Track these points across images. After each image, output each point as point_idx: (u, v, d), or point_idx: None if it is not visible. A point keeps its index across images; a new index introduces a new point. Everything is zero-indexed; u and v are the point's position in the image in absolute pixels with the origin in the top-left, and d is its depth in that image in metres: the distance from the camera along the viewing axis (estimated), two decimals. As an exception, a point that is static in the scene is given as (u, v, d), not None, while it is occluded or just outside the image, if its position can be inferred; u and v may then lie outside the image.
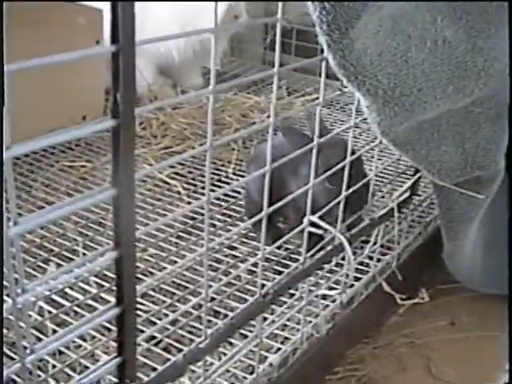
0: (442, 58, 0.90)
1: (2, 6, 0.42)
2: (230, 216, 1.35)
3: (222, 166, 1.56)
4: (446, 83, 0.91)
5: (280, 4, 0.68)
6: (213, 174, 1.51)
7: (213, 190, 1.42)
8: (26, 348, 0.54)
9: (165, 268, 1.15)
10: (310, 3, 0.70)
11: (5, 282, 0.49)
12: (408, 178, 1.29)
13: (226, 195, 1.40)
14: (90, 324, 0.57)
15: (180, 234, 1.27)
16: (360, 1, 0.75)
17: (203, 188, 1.43)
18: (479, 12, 0.94)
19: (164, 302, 1.07)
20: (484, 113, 1.05)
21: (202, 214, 1.30)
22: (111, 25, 0.48)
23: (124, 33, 0.48)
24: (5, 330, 0.92)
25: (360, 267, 1.18)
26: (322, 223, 0.90)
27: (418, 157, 1.02)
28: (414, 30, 0.87)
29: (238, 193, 1.41)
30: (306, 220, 0.90)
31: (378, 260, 1.20)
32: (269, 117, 1.78)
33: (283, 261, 1.17)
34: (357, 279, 1.14)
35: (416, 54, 0.86)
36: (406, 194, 1.18)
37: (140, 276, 1.12)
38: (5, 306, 0.50)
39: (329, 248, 0.95)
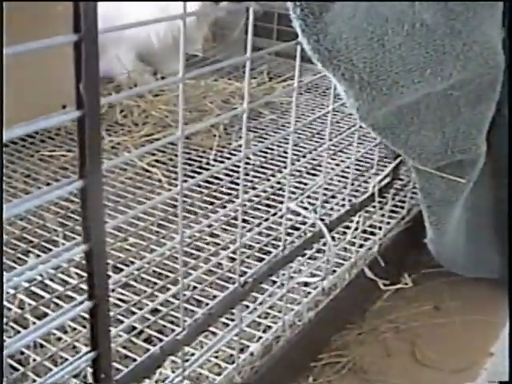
0: (420, 41, 0.89)
1: (2, 5, 0.42)
2: (211, 203, 1.34)
3: (204, 152, 1.54)
4: (423, 67, 0.91)
5: None
6: (194, 160, 1.50)
7: (194, 177, 1.41)
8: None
9: (145, 257, 1.14)
10: (283, -13, 0.69)
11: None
12: (389, 162, 1.29)
13: (207, 182, 1.39)
14: (61, 319, 0.56)
15: (161, 222, 1.26)
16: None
17: (185, 175, 1.42)
18: None
19: (145, 291, 1.06)
20: (463, 96, 1.04)
21: (183, 202, 1.29)
22: (73, 14, 0.47)
23: (86, 22, 0.46)
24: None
25: (342, 253, 1.18)
26: (301, 210, 0.89)
27: (397, 141, 1.01)
28: (392, 13, 0.86)
29: (220, 179, 1.40)
30: (284, 207, 0.89)
31: (360, 246, 1.19)
32: (250, 102, 1.77)
33: (265, 248, 1.17)
34: (339, 265, 1.14)
35: (393, 37, 0.85)
36: (388, 179, 1.17)
37: (121, 266, 1.11)
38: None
39: (309, 235, 0.94)
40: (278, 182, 1.33)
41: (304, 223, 1.05)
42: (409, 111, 0.99)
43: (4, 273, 0.47)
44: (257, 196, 1.31)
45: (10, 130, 0.47)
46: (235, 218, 1.25)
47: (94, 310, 0.58)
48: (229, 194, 1.36)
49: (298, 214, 0.92)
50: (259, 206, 1.31)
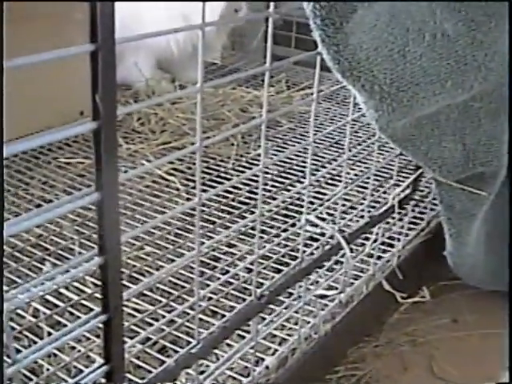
0: (441, 52, 0.88)
1: (2, 5, 0.41)
2: (229, 213, 1.33)
3: (222, 161, 1.54)
4: (444, 78, 0.89)
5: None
6: (212, 169, 1.50)
7: (212, 186, 1.41)
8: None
9: (162, 267, 1.13)
10: (303, -3, 0.68)
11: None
12: (410, 173, 1.27)
13: (225, 191, 1.38)
14: (74, 332, 0.55)
15: (178, 231, 1.25)
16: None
17: (203, 184, 1.41)
18: (479, 5, 0.92)
19: (160, 301, 1.05)
20: (484, 108, 1.03)
21: (202, 211, 1.28)
22: (90, 23, 0.46)
23: (103, 31, 0.46)
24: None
25: (360, 265, 1.16)
26: (319, 222, 0.88)
27: (418, 153, 1.00)
28: (413, 23, 0.84)
29: (238, 189, 1.39)
30: (303, 219, 0.88)
31: (379, 258, 1.18)
32: (268, 112, 1.76)
33: (283, 258, 1.16)
34: (357, 277, 1.13)
35: (414, 48, 0.84)
36: (408, 191, 1.16)
37: (136, 276, 1.10)
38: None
39: (327, 247, 0.93)
40: (297, 193, 1.32)
41: (323, 234, 1.04)
42: (429, 122, 0.98)
43: (19, 281, 0.47)
44: (275, 206, 1.30)
45: (22, 141, 0.46)
46: (253, 228, 1.24)
47: (108, 323, 0.57)
48: (247, 204, 1.35)
49: (317, 226, 0.90)
50: (277, 216, 1.30)
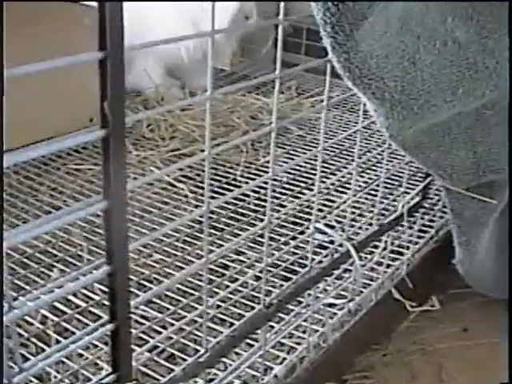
0: (452, 59, 0.87)
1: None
2: (238, 220, 1.32)
3: (231, 168, 1.54)
4: (455, 85, 0.89)
5: (282, 5, 0.66)
6: (221, 176, 1.49)
7: (221, 193, 1.40)
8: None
9: (170, 274, 1.13)
10: (313, 4, 0.68)
11: None
12: (419, 180, 1.27)
13: (234, 198, 1.38)
14: (82, 341, 0.55)
15: (186, 238, 1.25)
16: (365, 0, 0.73)
17: (211, 191, 1.41)
18: (491, 12, 0.91)
19: (168, 309, 1.05)
20: (495, 115, 1.02)
21: (210, 218, 1.28)
22: (99, 30, 0.46)
23: (112, 39, 0.45)
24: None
25: (369, 273, 1.16)
26: (328, 230, 0.88)
27: (428, 161, 1.00)
28: (423, 30, 0.84)
29: (247, 195, 1.39)
30: (311, 227, 0.88)
31: (388, 266, 1.17)
32: (278, 119, 1.75)
33: (291, 266, 1.15)
34: (366, 286, 1.12)
35: (425, 55, 0.84)
36: (417, 198, 1.15)
37: (145, 283, 1.10)
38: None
39: (336, 256, 0.93)
40: (306, 200, 1.31)
41: (332, 242, 1.03)
42: (440, 130, 0.97)
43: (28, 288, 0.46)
44: (284, 214, 1.29)
45: (30, 149, 0.46)
46: (261, 236, 1.23)
47: (116, 332, 0.57)
48: (256, 211, 1.35)
49: (326, 234, 0.90)
50: (286, 224, 1.30)
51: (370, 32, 0.73)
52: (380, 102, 0.81)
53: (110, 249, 0.53)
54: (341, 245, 0.94)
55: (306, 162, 1.54)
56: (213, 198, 1.38)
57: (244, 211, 1.35)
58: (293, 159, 1.58)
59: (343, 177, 1.41)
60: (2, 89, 0.41)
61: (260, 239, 1.23)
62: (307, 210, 1.32)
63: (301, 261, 1.16)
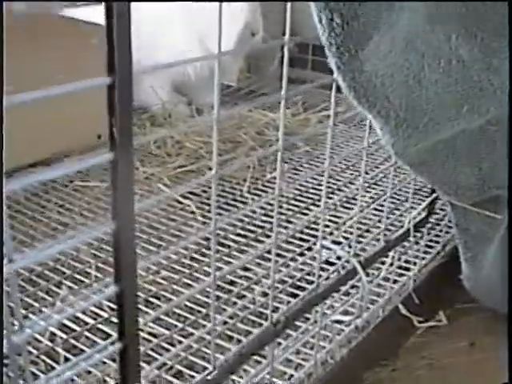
0: (457, 77, 0.88)
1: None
2: (245, 236, 1.33)
3: (237, 184, 1.54)
4: (460, 103, 0.90)
5: (287, 24, 0.67)
6: (228, 192, 1.50)
7: (228, 210, 1.41)
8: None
9: (178, 291, 1.13)
10: (319, 25, 0.69)
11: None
12: (425, 195, 1.27)
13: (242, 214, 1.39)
14: (90, 361, 0.55)
15: (193, 255, 1.25)
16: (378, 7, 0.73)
17: (218, 207, 1.41)
18: (495, 30, 0.92)
19: (176, 326, 1.05)
20: (500, 131, 1.02)
21: (217, 234, 1.28)
22: (107, 55, 0.46)
23: (120, 64, 0.46)
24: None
25: (376, 289, 1.16)
26: (335, 247, 0.88)
27: (433, 178, 1.00)
28: (428, 49, 0.85)
29: (254, 211, 1.40)
30: (318, 244, 0.88)
31: (395, 281, 1.18)
32: (285, 135, 1.76)
33: (299, 282, 1.16)
34: (373, 302, 1.12)
35: (429, 74, 0.84)
36: (423, 214, 1.16)
37: (153, 300, 1.11)
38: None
39: (343, 272, 0.93)
40: (312, 217, 1.32)
41: (339, 258, 1.03)
42: (444, 147, 0.98)
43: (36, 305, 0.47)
44: (291, 230, 1.30)
45: (38, 173, 0.46)
46: (269, 252, 1.24)
47: (124, 351, 0.58)
48: (263, 228, 1.35)
49: (333, 251, 0.91)
50: (293, 240, 1.30)
51: (375, 52, 0.74)
52: (385, 121, 0.82)
53: (118, 269, 0.54)
54: (347, 261, 0.95)
55: (313, 178, 1.55)
56: (219, 214, 1.39)
57: (251, 227, 1.35)
58: (299, 174, 1.59)
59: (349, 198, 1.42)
60: (2, 115, 0.42)
61: (267, 255, 1.24)
62: (314, 225, 1.33)
63: (308, 277, 1.16)
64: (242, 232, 1.34)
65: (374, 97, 0.78)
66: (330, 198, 1.45)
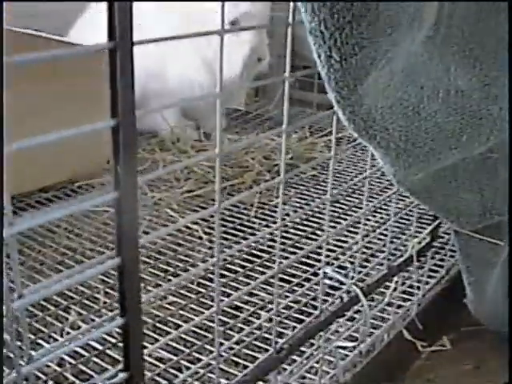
0: (456, 107, 0.89)
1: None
2: (251, 262, 1.34)
3: (245, 209, 1.56)
4: (459, 133, 0.91)
5: (287, 61, 0.69)
6: (235, 217, 1.52)
7: (235, 235, 1.43)
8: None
9: (184, 316, 1.15)
10: (318, 61, 0.71)
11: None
12: (429, 219, 1.29)
13: (246, 238, 1.40)
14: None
15: (200, 280, 1.27)
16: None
17: (225, 233, 1.43)
18: (493, 59, 0.93)
19: (182, 351, 1.07)
20: (501, 158, 1.04)
21: (224, 259, 1.30)
22: (111, 98, 0.48)
23: (123, 106, 0.48)
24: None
25: (380, 314, 1.17)
26: (337, 276, 0.90)
27: (435, 205, 1.02)
28: (427, 80, 0.86)
29: (260, 237, 1.41)
30: (321, 272, 0.90)
31: (399, 306, 1.19)
32: (292, 159, 1.78)
33: (303, 307, 1.17)
34: (377, 327, 1.14)
35: (428, 104, 0.86)
36: (426, 240, 1.17)
37: (159, 325, 1.12)
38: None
39: (346, 299, 0.95)
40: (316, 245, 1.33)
41: (342, 283, 1.05)
42: (446, 175, 0.99)
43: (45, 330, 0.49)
44: (295, 256, 1.31)
45: (45, 212, 0.48)
46: (272, 276, 1.25)
47: (130, 380, 0.59)
48: (269, 253, 1.36)
49: (336, 279, 0.92)
50: (298, 265, 1.31)
51: (374, 85, 0.76)
52: (385, 152, 0.84)
53: (123, 302, 0.55)
54: (349, 290, 0.96)
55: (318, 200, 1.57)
56: (226, 239, 1.41)
57: (257, 252, 1.37)
58: (305, 199, 1.61)
59: (353, 216, 1.43)
60: (2, 142, 0.43)
61: (272, 280, 1.25)
62: (319, 249, 1.34)
63: (313, 302, 1.18)
64: (249, 257, 1.35)
65: (373, 129, 0.79)
66: (336, 223, 1.46)
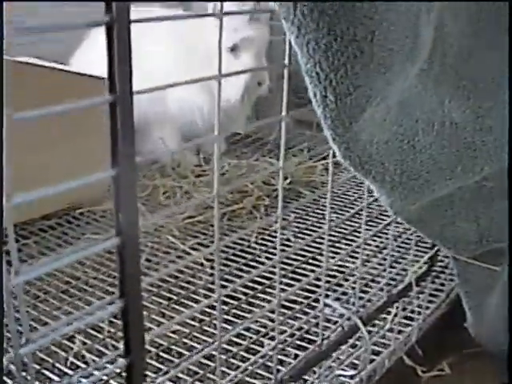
0: (450, 139, 0.91)
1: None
2: (253, 288, 1.35)
3: (245, 234, 1.57)
4: (454, 164, 0.93)
5: (284, 107, 0.71)
6: (236, 243, 1.53)
7: (236, 261, 1.44)
8: None
9: (187, 344, 1.16)
10: (313, 100, 0.72)
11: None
12: (428, 243, 1.30)
13: (248, 265, 1.42)
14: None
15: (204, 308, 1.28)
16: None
17: (226, 259, 1.45)
18: (487, 91, 0.95)
19: (185, 380, 1.08)
20: (496, 187, 1.05)
21: (223, 286, 1.31)
22: (111, 150, 0.50)
23: (123, 155, 0.50)
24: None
25: (381, 340, 1.18)
26: (336, 306, 0.91)
27: (432, 233, 1.03)
28: (422, 113, 0.88)
29: (262, 263, 1.42)
30: (321, 302, 0.91)
31: (399, 332, 1.20)
32: (291, 183, 1.80)
33: (305, 334, 1.18)
34: (378, 353, 1.15)
35: (423, 138, 0.88)
36: (425, 267, 1.19)
37: (162, 354, 1.14)
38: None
39: (346, 328, 0.96)
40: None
41: (342, 314, 1.06)
42: (442, 204, 1.01)
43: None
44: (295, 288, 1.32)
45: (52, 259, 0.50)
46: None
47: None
48: (269, 279, 1.37)
49: (335, 309, 0.94)
50: (299, 291, 1.32)
51: (369, 121, 0.77)
52: (381, 185, 0.85)
53: (127, 342, 0.57)
54: (350, 318, 0.97)
55: (318, 227, 1.58)
56: (227, 265, 1.42)
57: (259, 279, 1.37)
58: (305, 224, 1.62)
59: (353, 242, 1.44)
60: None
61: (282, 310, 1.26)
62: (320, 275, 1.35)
63: (315, 328, 1.19)
64: (250, 283, 1.36)
65: (369, 164, 0.81)
66: (336, 247, 1.48)
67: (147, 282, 0.58)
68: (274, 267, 1.29)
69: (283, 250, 1.45)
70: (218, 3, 0.66)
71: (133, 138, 0.50)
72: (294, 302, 1.29)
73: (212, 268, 1.42)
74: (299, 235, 1.57)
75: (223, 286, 1.30)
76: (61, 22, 0.44)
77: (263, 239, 1.55)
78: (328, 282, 1.25)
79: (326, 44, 0.67)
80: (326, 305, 0.91)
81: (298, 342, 1.16)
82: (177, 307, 1.27)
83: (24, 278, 0.46)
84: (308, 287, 1.33)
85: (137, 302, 0.55)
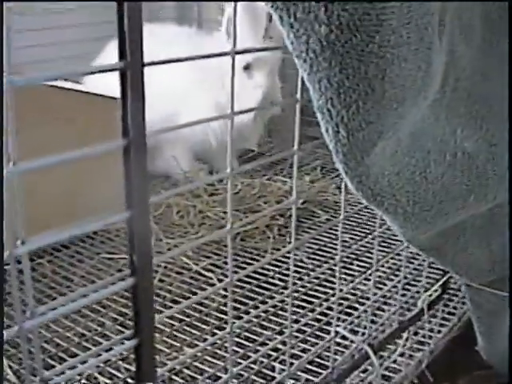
0: (462, 169, 0.91)
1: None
2: (265, 311, 1.35)
3: (258, 255, 1.57)
4: (466, 194, 0.93)
5: (296, 136, 0.72)
6: (249, 264, 1.53)
7: (249, 282, 1.44)
8: None
9: (196, 367, 1.17)
10: (325, 134, 0.73)
11: None
12: (439, 269, 1.30)
13: (259, 287, 1.42)
14: None
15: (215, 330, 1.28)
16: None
17: (239, 280, 1.45)
18: (500, 119, 0.95)
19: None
20: (508, 214, 1.05)
21: (237, 308, 1.32)
22: (125, 190, 0.51)
23: (136, 201, 0.51)
24: None
25: (393, 365, 1.18)
26: (348, 334, 0.92)
27: (445, 260, 1.03)
28: (433, 144, 0.88)
29: (275, 285, 1.43)
30: (332, 331, 0.92)
31: (410, 356, 1.20)
32: (304, 202, 1.80)
33: (315, 359, 1.18)
34: (389, 378, 1.15)
35: (435, 168, 0.88)
36: (437, 293, 1.19)
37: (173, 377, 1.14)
38: None
39: (358, 355, 0.96)
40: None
41: (352, 341, 1.06)
42: (455, 231, 1.01)
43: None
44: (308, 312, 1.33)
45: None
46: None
47: None
48: (282, 301, 1.37)
49: (347, 338, 0.94)
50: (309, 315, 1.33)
51: (381, 155, 0.78)
52: (394, 216, 0.85)
53: (139, 371, 0.58)
54: (361, 348, 0.98)
55: (331, 248, 1.59)
56: (241, 287, 1.42)
57: (269, 300, 1.37)
58: (318, 244, 1.62)
59: (365, 263, 1.45)
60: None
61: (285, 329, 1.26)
62: (332, 297, 1.35)
63: (326, 352, 1.19)
64: (262, 306, 1.36)
65: (381, 196, 0.81)
66: (349, 269, 1.48)
67: (160, 319, 0.59)
68: (287, 297, 1.31)
69: (296, 272, 1.45)
70: (231, 20, 0.67)
71: (146, 181, 0.51)
72: (306, 324, 1.29)
73: (225, 290, 1.42)
74: (312, 256, 1.57)
75: (235, 308, 1.31)
76: (71, 71, 0.45)
77: (276, 260, 1.55)
78: (340, 304, 1.25)
79: (338, 82, 0.68)
80: (337, 332, 0.91)
81: (309, 366, 1.16)
82: (188, 329, 1.27)
83: (37, 320, 0.47)
84: (319, 309, 1.34)
85: (150, 340, 0.56)
